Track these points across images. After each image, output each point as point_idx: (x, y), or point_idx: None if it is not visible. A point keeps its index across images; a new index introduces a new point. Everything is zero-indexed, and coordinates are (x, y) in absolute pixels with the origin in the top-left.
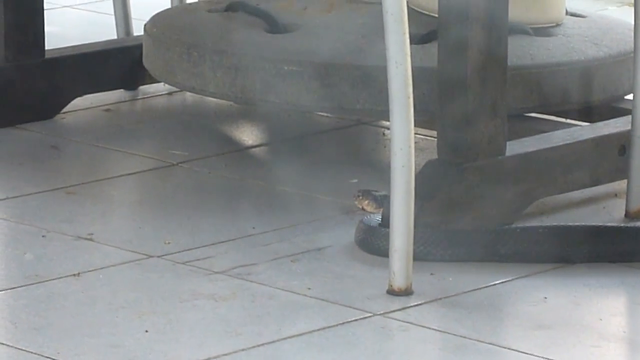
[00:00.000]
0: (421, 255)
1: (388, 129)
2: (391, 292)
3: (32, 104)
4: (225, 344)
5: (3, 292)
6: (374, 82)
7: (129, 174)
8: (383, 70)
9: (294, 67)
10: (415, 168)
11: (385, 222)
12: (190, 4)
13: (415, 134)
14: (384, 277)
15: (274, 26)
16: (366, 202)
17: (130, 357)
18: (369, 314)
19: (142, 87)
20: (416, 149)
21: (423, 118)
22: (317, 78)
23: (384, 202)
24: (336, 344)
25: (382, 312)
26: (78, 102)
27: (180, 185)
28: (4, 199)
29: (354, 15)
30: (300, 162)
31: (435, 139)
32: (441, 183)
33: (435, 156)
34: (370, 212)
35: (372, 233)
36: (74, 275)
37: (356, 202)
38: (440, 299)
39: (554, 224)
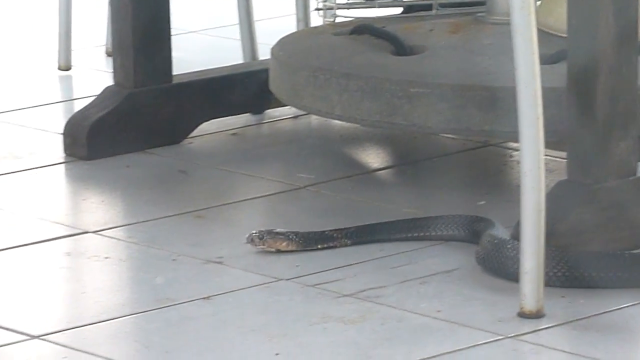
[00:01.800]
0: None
1: (516, 150)
2: (522, 315)
3: (160, 129)
4: None
5: (135, 315)
6: (502, 103)
7: (256, 198)
8: (512, 91)
9: (421, 89)
10: (545, 189)
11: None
12: (316, 27)
13: (544, 155)
14: (514, 299)
15: (400, 48)
16: (283, 242)
17: None
18: (500, 337)
19: (268, 111)
20: (545, 170)
21: (552, 139)
22: (445, 100)
23: (301, 238)
24: None
25: (513, 334)
26: (205, 127)
27: (307, 208)
28: (135, 223)
29: (480, 36)
30: (426, 184)
31: (565, 160)
32: (572, 204)
33: (564, 177)
34: (291, 250)
35: (500, 252)
36: (204, 298)
37: (263, 246)
38: (572, 321)
39: None
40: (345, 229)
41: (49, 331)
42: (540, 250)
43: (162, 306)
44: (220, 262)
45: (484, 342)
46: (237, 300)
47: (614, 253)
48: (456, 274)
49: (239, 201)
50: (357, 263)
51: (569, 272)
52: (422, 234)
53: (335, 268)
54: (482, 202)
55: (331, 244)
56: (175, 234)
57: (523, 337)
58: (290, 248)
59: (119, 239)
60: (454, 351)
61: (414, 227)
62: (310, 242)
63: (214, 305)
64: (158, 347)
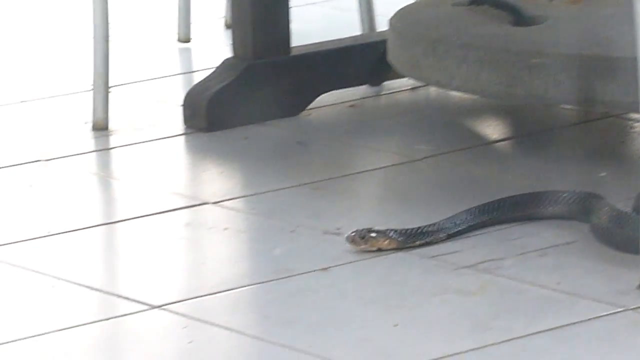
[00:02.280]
0: None
1: (637, 121)
2: None
3: (278, 101)
4: (474, 338)
5: (254, 286)
6: (622, 73)
7: (374, 169)
8: (632, 61)
9: (540, 59)
10: None
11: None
12: None
13: None
14: (635, 272)
15: (519, 19)
16: (385, 241)
17: (380, 352)
18: (620, 309)
19: (386, 83)
20: None
21: None
22: (564, 70)
23: (400, 235)
24: (587, 339)
25: (634, 307)
26: (323, 99)
27: (426, 181)
28: (254, 195)
29: (601, 6)
30: (546, 156)
31: None
32: None
33: None
34: (392, 248)
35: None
36: (323, 269)
37: (364, 245)
38: None
39: None
40: (438, 222)
41: (169, 301)
42: None
43: (280, 277)
44: (338, 234)
45: (604, 314)
46: (355, 271)
47: None
48: (576, 246)
49: (356, 173)
50: (475, 235)
51: None
52: (523, 213)
53: (453, 240)
54: (603, 174)
55: (428, 240)
56: (294, 205)
57: None
58: (391, 246)
59: (238, 210)
60: (574, 323)
61: (519, 205)
62: (409, 239)
63: (332, 276)
64: (276, 318)
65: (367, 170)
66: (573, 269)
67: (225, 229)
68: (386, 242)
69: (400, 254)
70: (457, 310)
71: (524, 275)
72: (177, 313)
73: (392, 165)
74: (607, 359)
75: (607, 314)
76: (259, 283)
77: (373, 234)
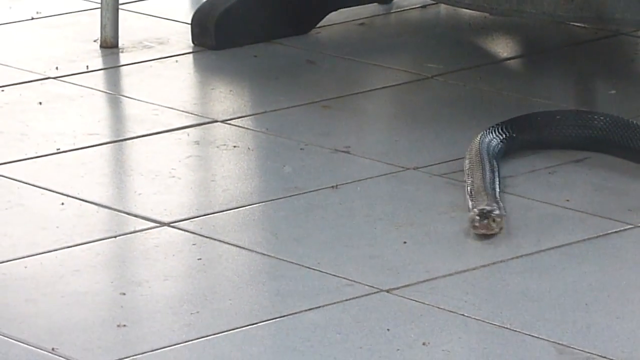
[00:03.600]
0: None
1: None
2: None
3: (288, 19)
4: (483, 255)
5: (263, 204)
6: None
7: (384, 87)
8: None
9: None
10: None
11: None
12: None
13: None
14: None
15: None
16: (503, 220)
17: (388, 268)
18: (630, 226)
19: (396, 1)
20: None
21: None
22: None
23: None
24: (596, 255)
25: None
26: (333, 17)
27: (436, 98)
28: (263, 113)
29: None
30: (556, 74)
31: None
32: None
33: None
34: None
35: None
36: (332, 187)
37: (497, 230)
38: None
39: None
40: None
41: (179, 218)
42: None
43: (290, 195)
44: (347, 152)
45: (613, 231)
46: (364, 189)
47: None
48: (586, 163)
49: (366, 91)
50: None
51: None
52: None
53: (462, 157)
54: (613, 92)
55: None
56: (303, 123)
57: None
58: (502, 224)
59: (247, 128)
60: (583, 240)
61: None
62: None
63: (341, 194)
64: (286, 235)
65: (376, 89)
66: (583, 186)
67: (235, 146)
68: (503, 221)
69: (409, 172)
70: (465, 228)
71: (534, 193)
72: (186, 230)
73: (402, 83)
74: (616, 276)
75: (617, 231)
76: (269, 201)
77: (496, 214)
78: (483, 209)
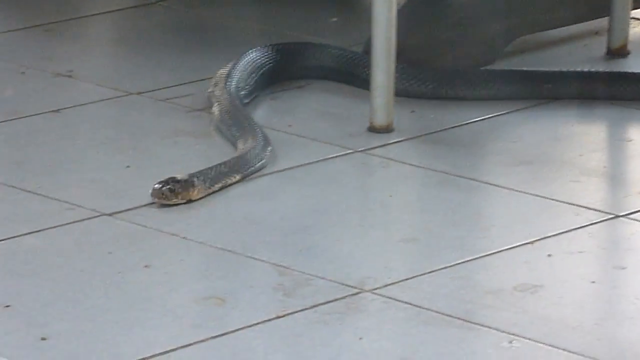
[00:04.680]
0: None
1: None
2: (372, 129)
3: None
4: None
5: None
6: None
7: (108, 12)
8: None
9: None
10: (398, 4)
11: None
12: None
13: None
14: (365, 114)
15: None
16: (194, 191)
17: (111, 192)
18: (350, 151)
19: None
20: None
21: None
22: None
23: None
24: (318, 179)
25: (362, 148)
26: None
27: (160, 24)
28: None
29: None
30: (280, 2)
31: None
32: (422, 20)
33: None
34: (202, 197)
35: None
36: (54, 111)
37: (176, 199)
38: (421, 135)
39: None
40: (228, 162)
41: None
42: (391, 65)
43: (10, 118)
44: (70, 76)
45: (334, 155)
46: (87, 113)
47: (463, 69)
48: (307, 89)
49: (90, 15)
50: (209, 78)
51: (418, 86)
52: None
53: (186, 83)
54: (335, 19)
55: (226, 181)
56: (24, 47)
57: (373, 151)
58: (200, 195)
59: None
60: (305, 164)
61: None
62: (212, 182)
63: (64, 118)
64: (7, 159)
65: (100, 13)
66: (304, 111)
67: None
68: (195, 191)
69: (132, 97)
70: (189, 152)
71: (257, 118)
72: None
73: (127, 8)
74: (335, 200)
75: (338, 155)
76: None
77: (181, 185)
78: (172, 178)
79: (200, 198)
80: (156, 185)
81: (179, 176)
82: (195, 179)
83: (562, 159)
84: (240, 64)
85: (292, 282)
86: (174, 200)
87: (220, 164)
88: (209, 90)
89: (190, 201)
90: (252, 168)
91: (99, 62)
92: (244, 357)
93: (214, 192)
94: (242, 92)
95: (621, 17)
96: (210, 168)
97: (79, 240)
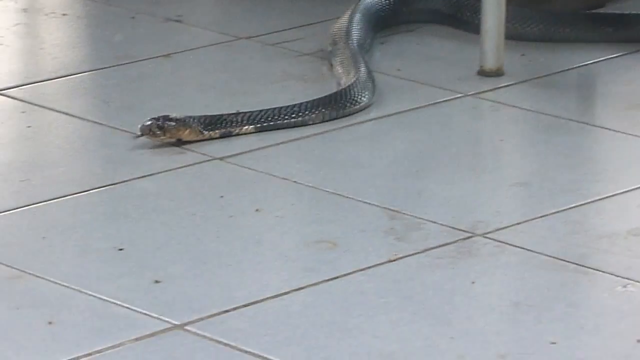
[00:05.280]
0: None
1: None
2: (482, 73)
3: None
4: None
5: (94, 72)
6: None
7: None
8: None
9: None
10: None
11: None
12: None
13: None
14: (475, 58)
15: None
16: (185, 130)
17: None
18: (460, 94)
19: None
20: None
21: None
22: None
23: (201, 123)
24: (427, 123)
25: (472, 92)
26: None
27: None
28: None
29: None
30: None
31: None
32: None
33: None
34: (193, 140)
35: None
36: (164, 56)
37: (164, 137)
38: (531, 79)
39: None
40: (247, 113)
41: (7, 86)
42: (501, 8)
43: (121, 63)
44: (179, 20)
45: (443, 99)
46: (197, 58)
47: (574, 12)
48: (416, 33)
49: None
50: (317, 22)
51: (530, 28)
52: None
53: (295, 27)
54: None
55: (232, 130)
56: None
57: (483, 95)
58: (191, 137)
59: None
60: (414, 109)
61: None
62: (210, 127)
63: (173, 63)
64: (117, 103)
65: None
66: (413, 56)
67: (64, 14)
68: (187, 131)
69: (241, 42)
70: (297, 96)
71: (370, 60)
72: (15, 98)
73: None
74: (445, 144)
75: (448, 99)
76: (99, 69)
77: (172, 123)
78: (165, 116)
79: (197, 141)
80: (147, 122)
81: (173, 114)
82: (190, 120)
83: None
84: (356, 17)
85: (403, 226)
86: (162, 138)
87: (233, 113)
88: (329, 50)
89: (180, 141)
90: (272, 123)
91: (208, 6)
92: (356, 301)
93: (214, 138)
94: (364, 48)
95: None
96: (220, 115)
97: (191, 184)
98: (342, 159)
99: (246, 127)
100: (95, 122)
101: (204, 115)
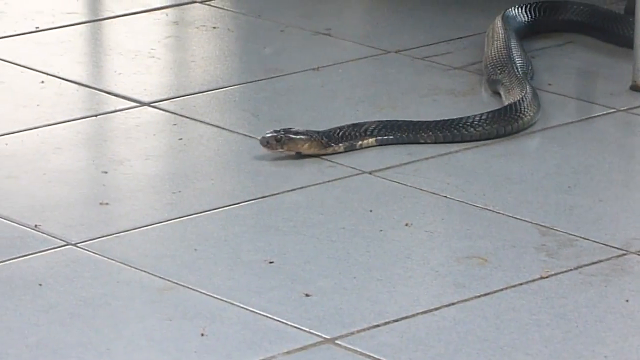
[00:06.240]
0: None
1: None
2: (635, 89)
3: None
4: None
5: (244, 85)
6: None
7: None
8: None
9: None
10: None
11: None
12: None
13: None
14: (626, 73)
15: None
16: (305, 144)
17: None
18: (612, 110)
19: None
20: None
21: None
22: None
23: (323, 137)
24: (579, 139)
25: (625, 107)
26: None
27: None
28: None
29: None
30: None
31: None
32: None
33: None
34: (313, 153)
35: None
36: (313, 69)
37: (281, 149)
38: None
39: None
40: (368, 125)
41: (159, 98)
42: None
43: (270, 76)
44: (328, 34)
45: (595, 114)
46: (346, 71)
47: None
48: (568, 47)
49: None
50: (466, 37)
51: None
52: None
53: (444, 41)
54: None
55: (354, 144)
56: (283, 5)
57: (636, 111)
58: (311, 150)
59: (227, 10)
60: (566, 124)
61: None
62: (333, 141)
63: (322, 76)
64: (266, 116)
65: None
66: (565, 70)
67: (214, 27)
68: (306, 145)
69: (390, 55)
70: (447, 111)
71: None
72: (166, 110)
73: None
74: (598, 159)
75: (599, 115)
76: (249, 82)
77: (292, 136)
78: (286, 129)
79: (321, 155)
80: (267, 134)
81: (295, 128)
82: (312, 134)
83: None
84: (513, 41)
85: (556, 243)
86: (280, 150)
87: (353, 125)
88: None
89: (299, 154)
90: (392, 136)
91: (357, 19)
92: (508, 318)
93: (338, 152)
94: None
95: None
96: (341, 128)
97: (340, 197)
98: (493, 174)
99: (369, 139)
100: (245, 135)
101: (327, 130)
